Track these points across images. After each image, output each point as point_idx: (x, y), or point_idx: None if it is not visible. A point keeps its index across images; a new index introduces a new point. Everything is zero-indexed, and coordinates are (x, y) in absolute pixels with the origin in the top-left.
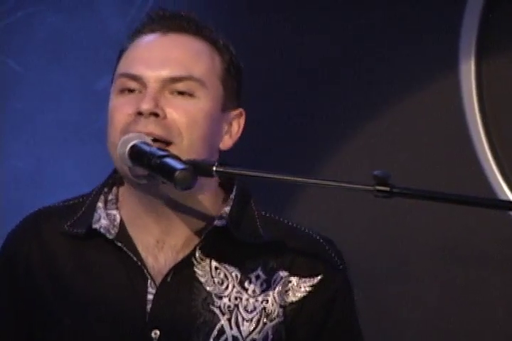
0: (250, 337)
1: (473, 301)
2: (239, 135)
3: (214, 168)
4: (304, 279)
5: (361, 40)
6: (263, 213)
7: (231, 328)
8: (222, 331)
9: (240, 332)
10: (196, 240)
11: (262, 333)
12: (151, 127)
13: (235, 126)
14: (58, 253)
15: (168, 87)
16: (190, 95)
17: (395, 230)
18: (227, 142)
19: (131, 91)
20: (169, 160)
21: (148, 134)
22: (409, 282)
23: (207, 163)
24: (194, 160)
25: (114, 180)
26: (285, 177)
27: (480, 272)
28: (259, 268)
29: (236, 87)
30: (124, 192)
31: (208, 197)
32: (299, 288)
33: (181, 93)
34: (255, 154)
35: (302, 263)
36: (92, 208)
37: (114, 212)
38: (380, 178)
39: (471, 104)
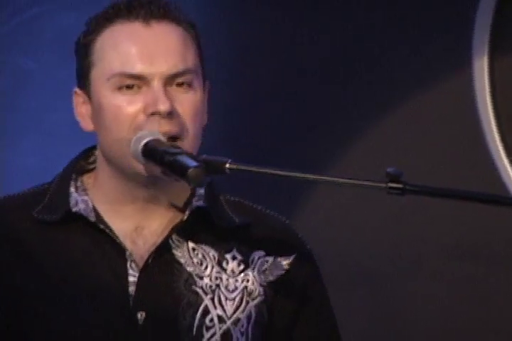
0: (235, 316)
1: (486, 300)
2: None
3: (227, 165)
4: (279, 258)
5: (373, 37)
6: (227, 197)
7: (215, 307)
8: (207, 311)
9: (225, 311)
10: (174, 223)
11: (245, 312)
12: (168, 127)
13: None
14: (30, 241)
15: (170, 81)
16: (189, 85)
17: (406, 228)
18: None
19: (129, 87)
20: (182, 158)
21: (164, 133)
22: (419, 280)
23: (220, 160)
24: (207, 158)
25: (78, 168)
26: (297, 175)
27: (492, 271)
28: (234, 250)
29: (203, 61)
30: (95, 179)
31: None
32: (276, 266)
33: (180, 84)
34: (263, 153)
35: (276, 243)
36: (65, 193)
37: (86, 197)
38: (392, 175)
39: (484, 102)
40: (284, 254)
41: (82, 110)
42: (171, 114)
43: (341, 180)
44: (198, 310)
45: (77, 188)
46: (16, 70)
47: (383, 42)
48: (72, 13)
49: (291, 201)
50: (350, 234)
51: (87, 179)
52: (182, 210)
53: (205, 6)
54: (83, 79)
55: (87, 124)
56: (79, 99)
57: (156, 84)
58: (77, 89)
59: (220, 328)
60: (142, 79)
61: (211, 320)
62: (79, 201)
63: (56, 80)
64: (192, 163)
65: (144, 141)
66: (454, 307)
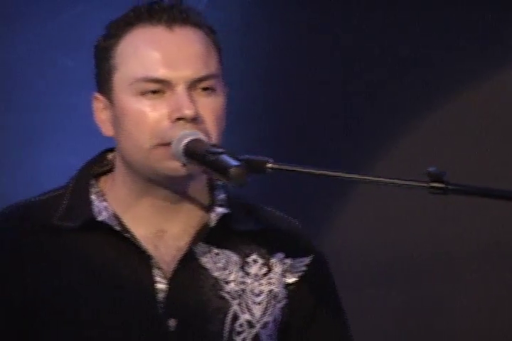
0: (263, 320)
1: None
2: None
3: (269, 165)
4: (297, 259)
5: (429, 38)
6: (240, 201)
7: (243, 312)
8: (235, 316)
9: (253, 316)
10: (195, 227)
11: (272, 315)
12: None
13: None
14: (50, 249)
15: (194, 86)
16: (212, 90)
17: (448, 228)
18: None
19: (153, 92)
20: (224, 157)
21: None
22: (459, 281)
23: (261, 159)
24: (249, 157)
25: (95, 171)
26: (338, 174)
27: None
28: (255, 253)
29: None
30: (112, 184)
31: (202, 185)
32: (295, 268)
33: (204, 89)
34: (309, 151)
35: (293, 246)
36: (83, 200)
37: (105, 204)
38: (434, 175)
39: None
40: (301, 256)
41: (102, 115)
42: (195, 120)
43: (383, 179)
44: (226, 316)
45: (96, 195)
46: (59, 68)
47: (448, 41)
48: (117, 12)
49: (334, 200)
50: (392, 233)
51: (104, 183)
52: (203, 215)
53: (249, 7)
54: (104, 84)
55: (107, 130)
56: (99, 104)
57: (181, 89)
58: (97, 94)
59: (249, 333)
60: (166, 83)
61: (241, 325)
62: (101, 209)
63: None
64: (234, 162)
65: (186, 141)
66: (497, 308)
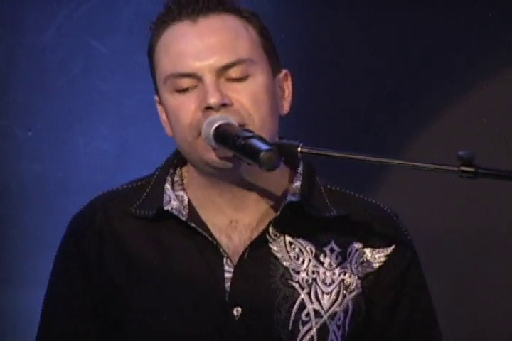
0: (331, 309)
1: None
2: (292, 96)
3: (299, 149)
4: (377, 250)
5: (461, 25)
6: (329, 186)
7: (311, 302)
8: (303, 305)
9: (321, 306)
10: (269, 217)
11: (342, 305)
12: None
13: (286, 88)
14: (129, 236)
15: (223, 74)
16: (246, 75)
17: (477, 214)
18: (285, 107)
19: (185, 88)
20: (254, 141)
21: None
22: (490, 270)
23: (291, 143)
24: (279, 141)
25: (178, 160)
26: (369, 158)
27: None
28: (333, 242)
29: (273, 49)
30: (190, 173)
31: (276, 174)
32: (374, 258)
33: (236, 75)
34: (340, 137)
35: (374, 235)
36: (160, 189)
37: (181, 193)
38: (465, 159)
39: None
40: (382, 246)
41: (163, 116)
42: (226, 106)
43: (414, 163)
44: (294, 305)
45: (173, 183)
46: (91, 53)
47: (467, 29)
48: None
49: (365, 184)
50: (423, 218)
51: (185, 172)
52: (276, 204)
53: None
54: (155, 85)
55: (168, 130)
56: (160, 106)
57: (206, 78)
58: (156, 97)
59: (316, 322)
60: (194, 76)
61: (307, 314)
62: (172, 198)
63: (132, 63)
64: (264, 146)
65: (215, 125)
66: None
